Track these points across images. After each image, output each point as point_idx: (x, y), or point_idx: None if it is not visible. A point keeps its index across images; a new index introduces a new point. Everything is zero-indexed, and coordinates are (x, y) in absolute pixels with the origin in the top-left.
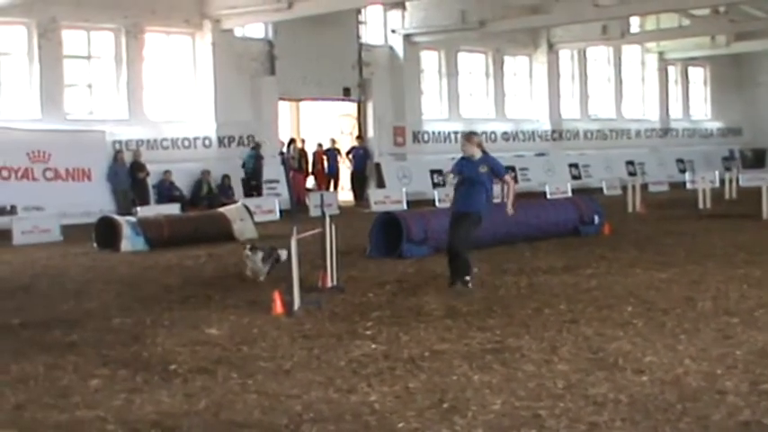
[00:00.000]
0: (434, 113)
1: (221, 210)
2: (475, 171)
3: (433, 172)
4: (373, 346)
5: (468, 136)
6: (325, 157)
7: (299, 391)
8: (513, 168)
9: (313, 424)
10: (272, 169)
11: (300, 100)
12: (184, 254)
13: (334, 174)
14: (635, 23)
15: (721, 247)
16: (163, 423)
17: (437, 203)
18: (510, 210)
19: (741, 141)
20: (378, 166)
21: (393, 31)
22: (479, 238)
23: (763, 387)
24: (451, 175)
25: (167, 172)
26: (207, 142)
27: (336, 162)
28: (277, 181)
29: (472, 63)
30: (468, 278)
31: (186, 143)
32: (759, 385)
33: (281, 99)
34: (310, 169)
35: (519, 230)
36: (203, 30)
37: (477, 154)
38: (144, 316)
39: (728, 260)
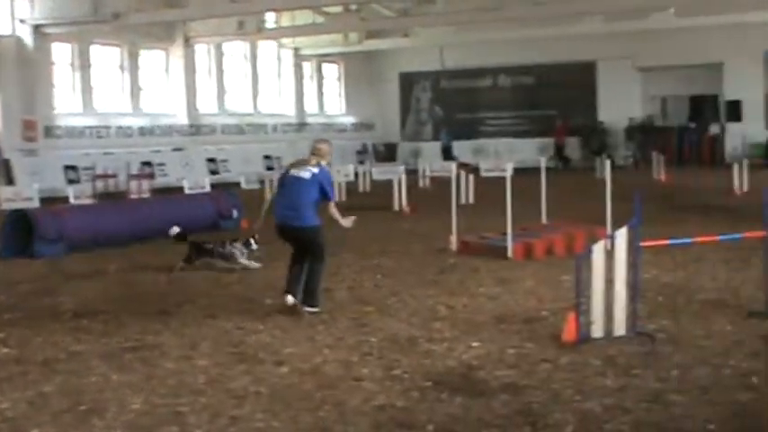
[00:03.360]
0: (68, 107)
1: None
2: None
3: (67, 168)
4: (4, 350)
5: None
6: None
7: None
8: (149, 164)
9: None
10: None
11: None
12: None
13: None
14: (271, 19)
15: (356, 238)
16: None
17: (72, 200)
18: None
19: (373, 136)
20: (6, 162)
21: (22, 21)
22: (116, 235)
23: (396, 372)
24: None
25: None
26: None
27: None
28: None
29: (106, 56)
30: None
31: None
32: (392, 370)
33: None
34: None
35: (157, 226)
36: None
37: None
38: None
39: (363, 251)
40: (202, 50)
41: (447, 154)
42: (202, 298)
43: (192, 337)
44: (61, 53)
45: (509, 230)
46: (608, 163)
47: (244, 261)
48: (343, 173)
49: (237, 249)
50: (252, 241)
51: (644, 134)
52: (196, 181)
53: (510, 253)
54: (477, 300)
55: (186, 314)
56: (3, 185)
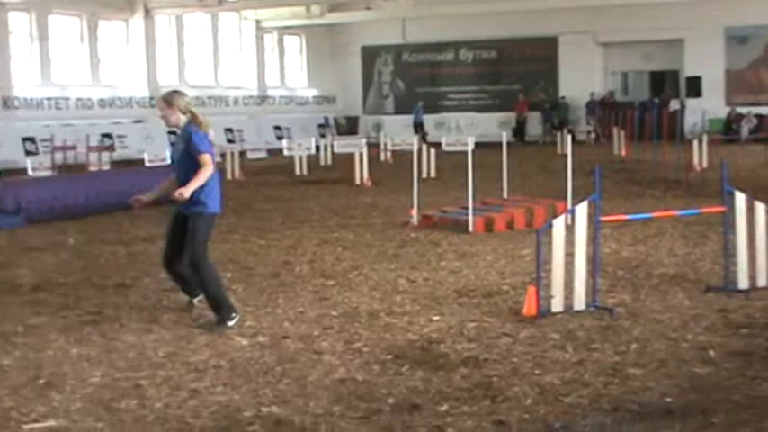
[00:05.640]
0: (26, 78)
1: None
2: (175, 146)
3: (24, 140)
4: None
5: (166, 98)
6: None
7: None
8: (109, 136)
9: None
10: None
11: None
12: None
13: None
14: None
15: (317, 212)
16: None
17: (30, 172)
18: (180, 194)
19: (335, 109)
20: None
21: None
22: (75, 207)
23: (356, 345)
24: None
25: None
26: None
27: None
28: None
29: (66, 27)
30: (233, 315)
31: None
32: (353, 344)
33: None
34: None
35: (117, 200)
36: None
37: (182, 121)
38: None
39: (324, 224)
40: (163, 22)
41: (418, 129)
42: (161, 272)
43: (151, 310)
44: (19, 23)
45: (470, 204)
46: (569, 138)
47: None
48: (304, 146)
49: None
50: None
51: (605, 109)
52: (156, 153)
53: (471, 227)
54: (438, 273)
55: (146, 287)
56: None
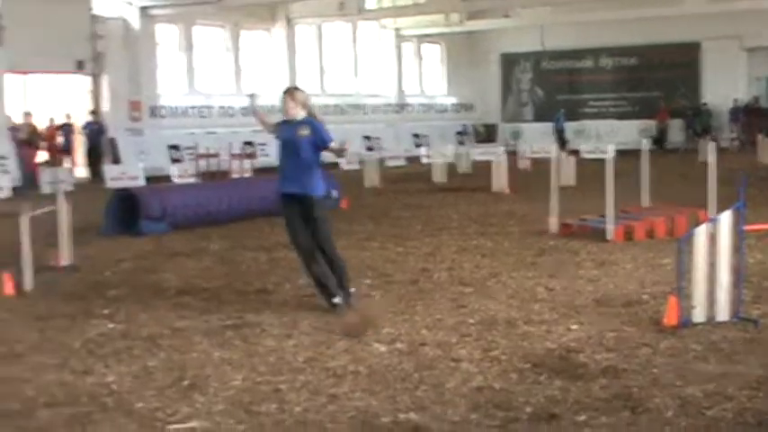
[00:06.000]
0: (172, 88)
1: None
2: (294, 133)
3: (170, 147)
4: (111, 325)
5: (288, 90)
6: (58, 133)
7: (32, 375)
8: (251, 143)
9: (47, 408)
10: (0, 145)
11: (30, 72)
12: None
13: (68, 149)
14: (371, 0)
15: (456, 219)
16: None
17: (175, 179)
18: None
19: (474, 117)
20: (113, 141)
21: (129, 4)
22: (218, 213)
23: (494, 353)
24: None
25: None
26: None
27: (71, 137)
28: (6, 157)
29: (210, 37)
30: (352, 290)
31: None
32: (490, 352)
33: (9, 71)
34: (42, 145)
35: (258, 206)
36: None
37: (300, 114)
38: None
39: (462, 232)
40: (304, 31)
41: (559, 137)
42: (301, 277)
43: (291, 315)
44: (166, 34)
45: (609, 213)
46: (712, 145)
47: None
48: (443, 154)
49: None
50: None
51: (749, 116)
52: None
53: (610, 235)
54: (576, 282)
55: (286, 293)
56: (109, 164)
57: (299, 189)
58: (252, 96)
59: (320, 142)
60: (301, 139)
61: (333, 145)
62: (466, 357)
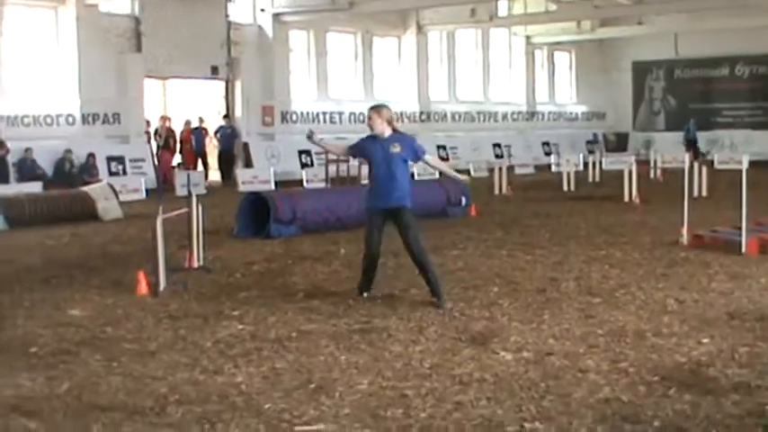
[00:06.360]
0: (303, 93)
1: (85, 189)
2: (386, 151)
3: (301, 152)
4: (240, 326)
5: (374, 108)
6: (192, 137)
7: (165, 373)
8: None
9: (179, 406)
10: (138, 148)
11: (167, 78)
12: (46, 233)
13: (201, 153)
14: (503, 7)
15: (584, 228)
16: (23, 407)
17: (305, 184)
18: (462, 178)
19: (604, 125)
20: (246, 145)
21: (262, 10)
22: (347, 218)
23: (622, 365)
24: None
25: (28, 149)
26: (70, 119)
27: (204, 141)
28: (143, 160)
29: (341, 43)
30: (448, 305)
31: (49, 120)
32: (618, 363)
33: (148, 77)
34: (178, 148)
35: None
36: (67, 3)
37: (387, 131)
38: (2, 297)
39: (591, 241)
40: (435, 38)
41: (691, 147)
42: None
43: (418, 321)
44: (299, 41)
45: (743, 225)
46: None
47: None
48: (572, 162)
49: None
50: None
51: None
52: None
53: (744, 248)
54: (708, 295)
55: (412, 298)
56: (242, 168)
57: (393, 203)
58: (310, 134)
59: (413, 158)
60: (394, 156)
61: (427, 157)
62: (593, 368)
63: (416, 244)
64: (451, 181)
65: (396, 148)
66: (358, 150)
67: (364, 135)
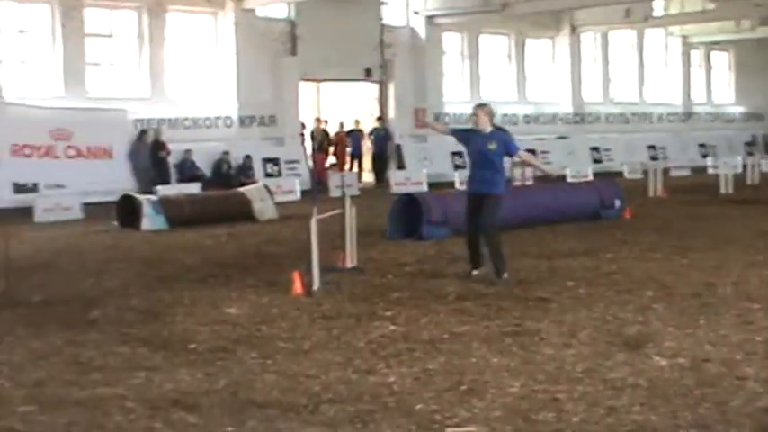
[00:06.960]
0: (456, 95)
1: (242, 189)
2: (484, 145)
3: (453, 154)
4: (392, 327)
5: (480, 106)
6: (349, 139)
7: (318, 372)
8: (533, 151)
9: (332, 404)
10: (293, 150)
11: (322, 80)
12: (204, 233)
13: (356, 155)
14: (658, 7)
15: (743, 232)
16: (182, 401)
17: (457, 186)
18: (548, 170)
19: (764, 126)
20: (398, 147)
21: (416, 13)
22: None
23: None
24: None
25: (188, 151)
26: (228, 122)
27: (359, 143)
28: (298, 161)
29: (494, 45)
30: (506, 274)
31: (208, 123)
32: None
33: (303, 80)
34: (332, 150)
35: (540, 214)
36: (225, 9)
37: (488, 128)
38: (164, 294)
39: (749, 246)
40: (588, 39)
41: None
42: (581, 286)
43: (570, 324)
44: (451, 43)
45: None
46: None
47: None
48: (730, 164)
49: None
50: None
51: None
52: (579, 169)
53: None
54: None
55: (565, 301)
56: (394, 170)
57: (486, 189)
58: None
59: (508, 153)
60: (491, 152)
61: (521, 153)
62: (752, 376)
63: (487, 218)
64: (605, 183)
65: (492, 145)
66: (460, 136)
67: (516, 138)
